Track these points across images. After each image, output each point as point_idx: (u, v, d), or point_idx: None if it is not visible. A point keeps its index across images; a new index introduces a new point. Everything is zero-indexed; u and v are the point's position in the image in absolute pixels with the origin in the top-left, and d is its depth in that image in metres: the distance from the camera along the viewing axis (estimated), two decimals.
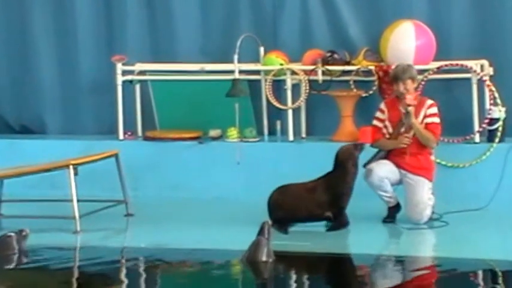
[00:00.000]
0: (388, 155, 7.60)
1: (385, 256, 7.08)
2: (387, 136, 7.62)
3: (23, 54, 9.39)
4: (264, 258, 6.64)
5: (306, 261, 6.94)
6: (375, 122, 7.68)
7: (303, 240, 7.27)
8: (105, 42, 9.26)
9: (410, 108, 7.48)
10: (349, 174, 7.40)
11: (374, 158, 7.58)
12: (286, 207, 7.44)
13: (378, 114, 7.69)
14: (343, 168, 7.41)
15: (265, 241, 6.67)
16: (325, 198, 7.41)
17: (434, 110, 7.59)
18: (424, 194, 7.52)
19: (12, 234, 7.10)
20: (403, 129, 7.54)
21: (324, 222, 7.51)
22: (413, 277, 6.65)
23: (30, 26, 9.35)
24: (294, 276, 6.70)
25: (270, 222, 6.84)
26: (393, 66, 7.96)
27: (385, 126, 7.62)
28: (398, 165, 7.56)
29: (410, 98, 7.50)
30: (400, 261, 6.92)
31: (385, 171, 7.52)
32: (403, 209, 7.63)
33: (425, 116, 7.55)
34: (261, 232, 6.70)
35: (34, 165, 7.96)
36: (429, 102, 7.63)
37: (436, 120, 7.57)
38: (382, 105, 7.72)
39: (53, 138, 9.16)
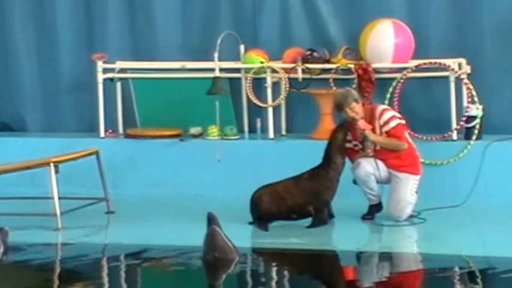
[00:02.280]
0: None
1: (364, 252, 7.14)
2: (361, 152, 7.61)
3: (2, 51, 9.38)
4: (226, 245, 6.60)
5: (285, 258, 6.98)
6: (348, 145, 7.59)
7: (283, 237, 7.33)
8: (85, 40, 9.26)
9: (366, 132, 7.45)
10: (333, 159, 7.39)
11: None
12: (271, 199, 7.45)
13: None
14: (328, 154, 7.45)
15: (218, 228, 6.64)
16: (308, 188, 7.42)
17: (388, 114, 7.53)
18: (407, 192, 7.56)
19: None
20: (369, 144, 7.55)
21: (303, 221, 7.57)
22: (392, 273, 6.71)
23: (10, 24, 9.33)
24: (273, 273, 6.74)
25: (214, 212, 6.74)
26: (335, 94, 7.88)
27: (355, 145, 7.63)
28: (385, 164, 7.60)
29: (362, 123, 7.45)
30: (378, 257, 6.97)
31: (372, 167, 7.56)
32: (385, 205, 7.67)
33: (381, 126, 7.52)
34: (211, 222, 6.66)
35: (14, 163, 7.96)
36: (380, 109, 7.57)
37: (393, 124, 7.49)
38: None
39: (33, 136, 9.16)
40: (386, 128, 7.52)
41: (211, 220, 6.69)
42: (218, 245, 6.66)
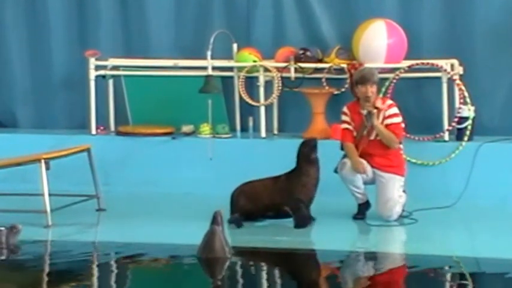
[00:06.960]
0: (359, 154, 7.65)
1: (354, 252, 7.15)
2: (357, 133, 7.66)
3: None
4: (221, 247, 6.63)
5: (272, 257, 6.98)
6: (345, 125, 7.63)
7: (271, 236, 7.32)
8: (78, 37, 9.26)
9: (375, 111, 7.49)
10: (303, 168, 7.44)
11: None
12: (249, 196, 7.48)
13: (344, 117, 7.67)
14: (299, 164, 7.50)
15: (219, 230, 6.67)
16: (284, 188, 7.45)
17: (394, 110, 7.58)
18: (394, 191, 7.59)
19: (2, 229, 7.08)
20: (365, 132, 7.58)
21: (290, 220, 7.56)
22: (382, 273, 6.72)
23: (2, 20, 9.32)
24: (260, 273, 6.74)
25: (221, 211, 6.80)
26: (359, 68, 7.99)
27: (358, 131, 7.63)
28: (369, 164, 7.62)
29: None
30: (368, 257, 6.98)
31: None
32: (374, 206, 7.70)
33: (385, 118, 7.55)
34: (214, 221, 6.70)
35: (5, 159, 7.95)
36: (388, 102, 7.63)
37: (397, 120, 7.56)
38: (345, 109, 7.69)
39: (24, 133, 9.15)
40: (388, 121, 7.54)
41: (214, 219, 6.69)
42: (215, 245, 6.65)
